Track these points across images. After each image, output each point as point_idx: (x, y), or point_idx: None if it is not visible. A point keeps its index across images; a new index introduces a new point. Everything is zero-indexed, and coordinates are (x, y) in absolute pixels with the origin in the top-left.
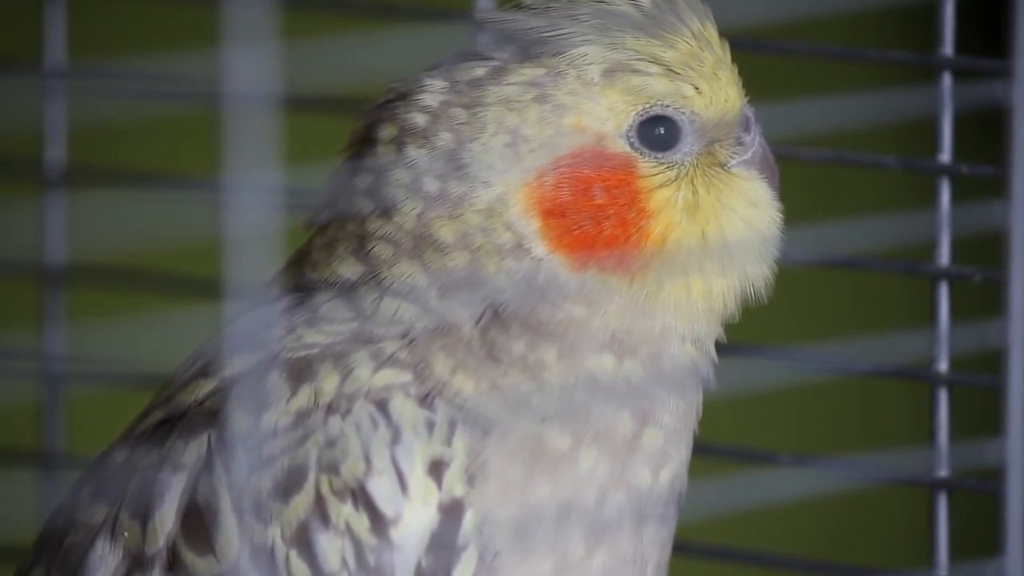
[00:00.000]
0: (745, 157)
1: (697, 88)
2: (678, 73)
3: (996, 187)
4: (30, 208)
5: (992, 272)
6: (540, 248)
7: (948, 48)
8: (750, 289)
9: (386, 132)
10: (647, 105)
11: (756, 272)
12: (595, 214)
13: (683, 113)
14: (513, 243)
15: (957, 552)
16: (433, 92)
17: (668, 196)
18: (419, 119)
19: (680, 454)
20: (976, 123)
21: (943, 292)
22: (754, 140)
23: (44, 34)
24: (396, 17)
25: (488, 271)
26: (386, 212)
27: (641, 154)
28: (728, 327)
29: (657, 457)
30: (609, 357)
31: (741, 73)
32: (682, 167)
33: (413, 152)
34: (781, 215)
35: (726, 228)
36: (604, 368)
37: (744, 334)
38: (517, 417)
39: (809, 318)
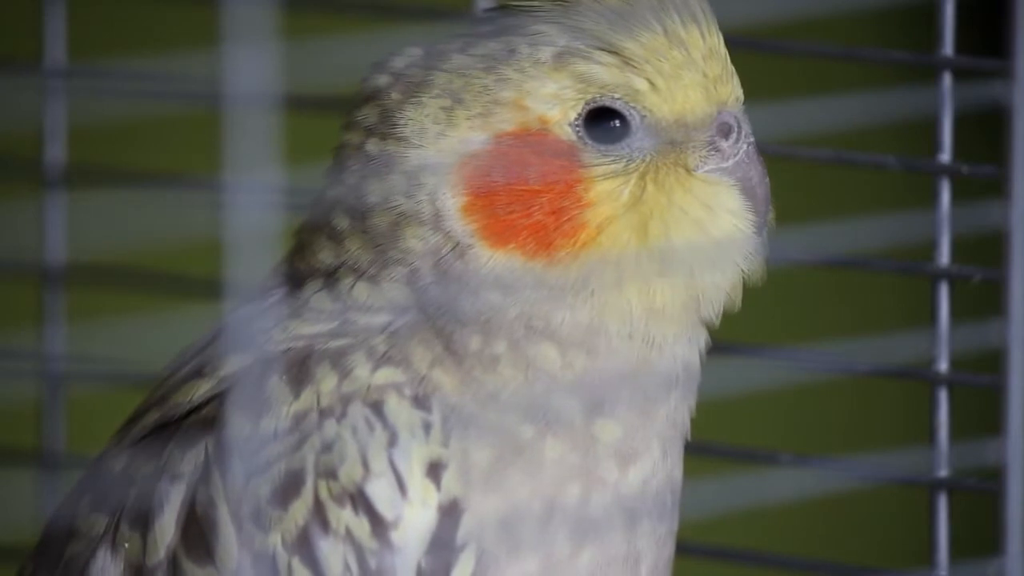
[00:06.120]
0: (723, 165)
1: (652, 83)
2: (633, 66)
3: (996, 187)
4: (30, 208)
5: (992, 272)
6: (460, 223)
7: (948, 48)
8: (702, 296)
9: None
10: (596, 95)
11: (712, 279)
12: (527, 199)
13: (633, 108)
14: (432, 213)
15: (957, 552)
16: (405, 56)
17: (611, 189)
18: (382, 80)
19: (652, 452)
20: (976, 123)
21: (943, 292)
22: (737, 150)
23: (44, 34)
24: (396, 17)
25: (404, 237)
26: (340, 179)
27: (586, 144)
28: (728, 327)
29: (623, 452)
30: (551, 348)
31: (739, 73)
32: (631, 162)
33: (367, 111)
34: (761, 223)
35: (672, 228)
36: (548, 358)
37: (744, 334)
38: (488, 411)
39: (809, 318)
